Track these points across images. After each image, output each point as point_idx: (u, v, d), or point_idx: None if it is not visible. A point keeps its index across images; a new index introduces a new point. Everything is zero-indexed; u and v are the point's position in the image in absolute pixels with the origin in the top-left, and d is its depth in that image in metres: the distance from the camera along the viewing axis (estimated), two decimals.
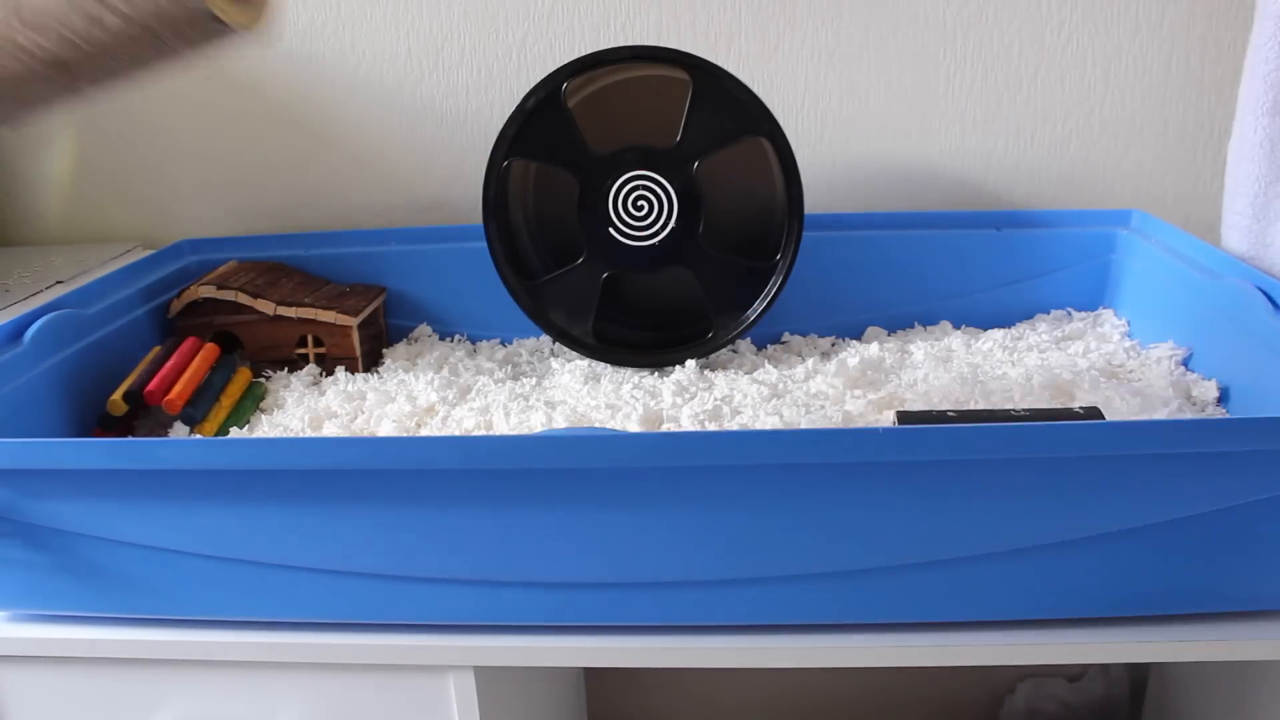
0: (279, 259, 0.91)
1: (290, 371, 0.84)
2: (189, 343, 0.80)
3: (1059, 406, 0.67)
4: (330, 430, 0.73)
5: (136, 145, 1.01)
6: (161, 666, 0.62)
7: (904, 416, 0.63)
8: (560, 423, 0.71)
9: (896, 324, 0.88)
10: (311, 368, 0.84)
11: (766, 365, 0.80)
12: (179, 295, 0.84)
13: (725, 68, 0.77)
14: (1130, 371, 0.74)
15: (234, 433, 0.74)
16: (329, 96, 0.97)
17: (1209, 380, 0.70)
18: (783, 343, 0.87)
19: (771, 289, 0.82)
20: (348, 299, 0.86)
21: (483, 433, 0.71)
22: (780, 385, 0.76)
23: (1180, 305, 0.76)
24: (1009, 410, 0.61)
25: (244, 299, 0.82)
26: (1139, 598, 0.56)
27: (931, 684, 1.11)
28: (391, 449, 0.54)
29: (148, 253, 0.95)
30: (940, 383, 0.73)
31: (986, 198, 0.95)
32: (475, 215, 0.83)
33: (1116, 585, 0.55)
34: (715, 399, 0.73)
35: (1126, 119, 0.92)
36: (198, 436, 0.72)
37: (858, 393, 0.73)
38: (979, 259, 0.87)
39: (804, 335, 0.88)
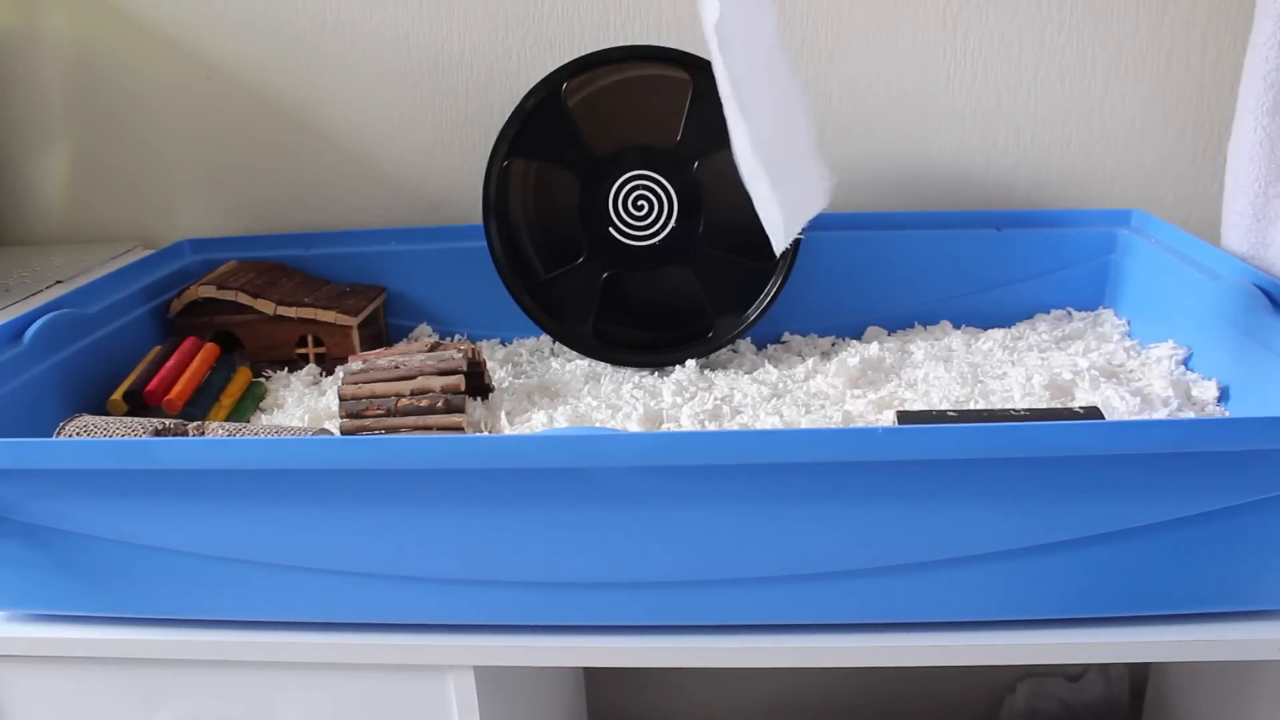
0: (279, 259, 0.91)
1: (290, 371, 0.84)
2: (189, 343, 0.80)
3: (1059, 406, 0.67)
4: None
5: (136, 145, 1.00)
6: (161, 666, 0.62)
7: (904, 416, 0.63)
8: (560, 423, 0.71)
9: (896, 324, 0.88)
10: (311, 367, 0.84)
11: (766, 365, 0.80)
12: (179, 295, 0.84)
13: None
14: (1130, 371, 0.74)
15: None
16: (329, 96, 0.97)
17: (1209, 380, 0.70)
18: (783, 343, 0.87)
19: (771, 289, 0.82)
20: (348, 299, 0.86)
21: (483, 433, 0.71)
22: (780, 385, 0.76)
23: (1180, 305, 0.76)
24: (1009, 410, 0.61)
25: (244, 299, 0.82)
26: (1139, 598, 0.56)
27: (931, 684, 1.11)
28: (391, 449, 0.53)
29: (148, 253, 0.95)
30: (940, 383, 0.73)
31: (986, 198, 0.95)
32: (475, 215, 0.83)
33: (1116, 585, 0.55)
34: (715, 399, 0.73)
35: (1126, 119, 0.92)
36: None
37: (858, 393, 0.73)
38: (979, 259, 0.87)
39: (804, 335, 0.88)
